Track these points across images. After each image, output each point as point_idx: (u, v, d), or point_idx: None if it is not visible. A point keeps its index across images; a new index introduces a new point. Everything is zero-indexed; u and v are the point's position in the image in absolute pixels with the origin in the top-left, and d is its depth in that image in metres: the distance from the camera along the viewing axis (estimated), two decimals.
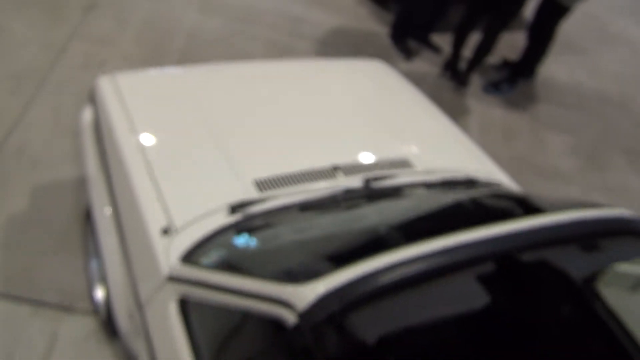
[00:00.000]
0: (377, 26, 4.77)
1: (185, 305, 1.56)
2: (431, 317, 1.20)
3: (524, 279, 1.78)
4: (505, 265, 1.38)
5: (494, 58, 4.68)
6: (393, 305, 1.20)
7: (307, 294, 1.18)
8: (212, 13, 4.39)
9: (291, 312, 1.19)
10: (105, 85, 2.31)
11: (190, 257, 1.65)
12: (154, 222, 1.77)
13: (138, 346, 1.88)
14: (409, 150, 2.29)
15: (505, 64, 4.68)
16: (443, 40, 4.64)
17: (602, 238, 1.57)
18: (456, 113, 4.08)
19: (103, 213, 2.13)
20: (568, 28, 5.40)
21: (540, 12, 4.20)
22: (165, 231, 1.74)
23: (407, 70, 4.17)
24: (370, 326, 1.16)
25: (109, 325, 2.20)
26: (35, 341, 2.30)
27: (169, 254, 1.68)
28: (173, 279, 1.61)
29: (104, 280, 2.14)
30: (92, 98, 2.38)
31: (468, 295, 1.28)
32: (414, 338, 1.73)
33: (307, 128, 2.30)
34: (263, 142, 2.16)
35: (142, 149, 2.00)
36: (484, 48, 4.13)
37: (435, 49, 4.62)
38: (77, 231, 2.66)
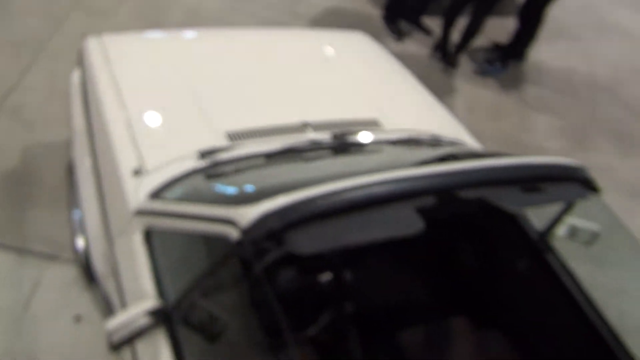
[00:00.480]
0: (372, 8, 4.86)
1: (149, 236, 1.68)
2: (363, 241, 1.30)
3: (462, 213, 1.88)
4: (444, 200, 1.47)
5: (484, 42, 4.76)
6: (327, 227, 1.30)
7: (249, 213, 1.29)
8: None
9: (235, 229, 1.30)
10: (92, 45, 2.42)
11: (157, 194, 1.77)
12: (126, 163, 1.89)
13: (110, 287, 2.00)
14: (380, 112, 2.38)
15: (496, 48, 4.75)
16: (434, 23, 4.71)
17: (546, 182, 1.65)
18: (444, 93, 4.16)
19: (83, 164, 2.25)
20: (565, 16, 5.47)
21: None
22: (137, 172, 1.86)
23: (398, 51, 4.26)
24: (305, 244, 1.26)
25: (88, 271, 2.33)
26: (20, 285, 2.44)
27: (138, 192, 1.80)
28: (140, 212, 1.72)
29: (84, 229, 2.27)
30: (81, 59, 2.50)
31: (403, 225, 1.37)
32: (344, 257, 1.83)
33: (283, 88, 2.40)
34: (239, 99, 2.28)
35: (121, 100, 2.12)
36: (472, 30, 4.21)
37: (426, 31, 4.70)
38: (66, 187, 2.79)
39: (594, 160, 4.10)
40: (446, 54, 4.44)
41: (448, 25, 4.34)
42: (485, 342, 2.06)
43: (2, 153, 2.91)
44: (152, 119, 2.11)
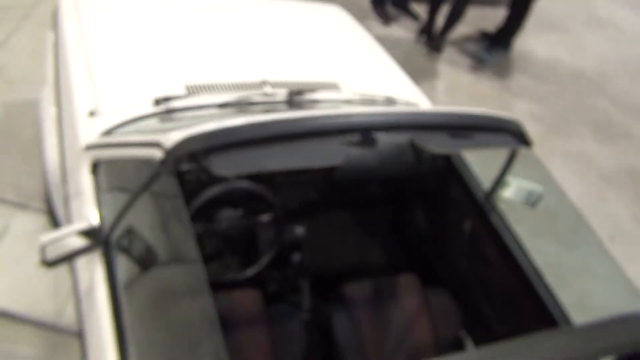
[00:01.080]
0: None
1: (96, 168, 1.76)
2: (278, 167, 1.36)
3: (384, 151, 1.94)
4: (369, 140, 1.53)
5: (472, 31, 4.82)
6: (246, 154, 1.37)
7: (174, 136, 1.37)
8: None
9: (160, 150, 1.38)
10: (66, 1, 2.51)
11: (108, 133, 1.85)
12: (83, 105, 1.97)
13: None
14: (341, 77, 2.45)
15: (484, 36, 4.80)
16: (420, 8, 4.77)
17: (476, 131, 1.71)
18: (426, 75, 4.23)
19: (48, 112, 2.34)
20: (554, 8, 5.51)
21: None
22: (92, 113, 1.94)
23: (383, 35, 4.35)
24: (222, 166, 1.33)
25: (52, 216, 2.41)
26: None
27: (91, 132, 1.88)
28: (89, 147, 1.80)
29: (46, 173, 2.35)
30: (55, 12, 2.58)
31: (322, 157, 1.43)
32: (256, 178, 1.90)
33: (247, 49, 2.48)
34: (202, 55, 2.35)
35: (85, 46, 2.20)
36: (455, 15, 4.27)
37: (413, 16, 4.76)
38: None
39: (570, 145, 4.16)
40: (431, 38, 4.50)
41: (433, 10, 4.40)
42: (430, 297, 2.13)
43: None
44: (113, 66, 2.19)
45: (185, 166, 1.47)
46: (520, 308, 2.07)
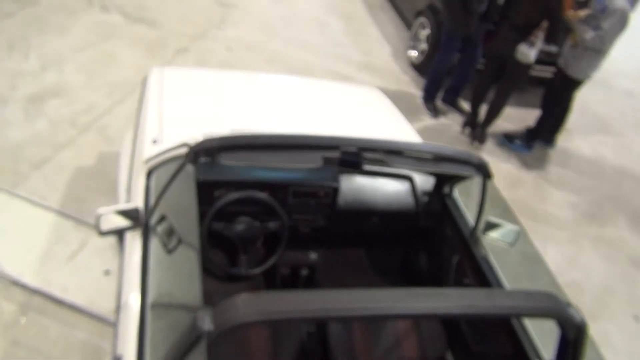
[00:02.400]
0: (414, 89, 5.54)
1: (150, 173, 2.33)
2: (269, 161, 1.87)
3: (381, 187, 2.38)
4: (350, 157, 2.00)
5: (519, 127, 5.23)
6: (245, 153, 1.89)
7: (197, 137, 1.92)
8: (276, 64, 5.43)
9: (187, 147, 1.93)
10: (156, 72, 3.27)
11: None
12: (150, 135, 2.60)
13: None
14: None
15: (527, 131, 5.19)
16: (467, 104, 5.28)
17: (446, 161, 2.11)
18: None
19: (126, 152, 3.01)
20: (608, 111, 5.82)
21: (553, 81, 4.76)
22: (155, 141, 2.56)
23: (430, 125, 4.88)
24: (227, 158, 1.85)
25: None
26: (70, 244, 3.16)
27: (151, 152, 2.49)
28: (147, 159, 2.39)
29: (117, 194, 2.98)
30: (144, 80, 3.34)
31: (304, 161, 1.93)
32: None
33: (293, 119, 3.04)
34: (252, 122, 2.94)
35: (161, 101, 2.89)
36: (496, 107, 4.73)
37: (461, 111, 5.27)
38: None
39: (606, 234, 4.31)
40: (475, 129, 4.95)
41: (476, 103, 4.89)
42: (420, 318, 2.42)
43: (86, 156, 3.79)
44: (180, 115, 2.83)
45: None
46: (496, 333, 2.32)
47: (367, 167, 2.37)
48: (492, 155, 4.86)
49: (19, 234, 3.18)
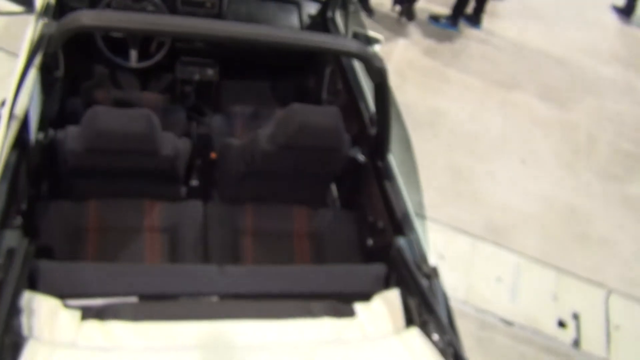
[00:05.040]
0: None
1: None
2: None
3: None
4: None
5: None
6: None
7: None
8: None
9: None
10: None
11: None
12: None
13: None
14: None
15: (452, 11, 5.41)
16: None
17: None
18: (391, 35, 4.86)
19: None
20: (542, 1, 6.04)
21: None
22: None
23: None
24: None
25: None
26: None
27: None
28: None
29: None
30: None
31: None
32: None
33: None
34: None
35: None
36: None
37: None
38: None
39: (511, 97, 4.64)
40: (402, 5, 5.16)
41: None
42: None
43: None
44: None
45: None
46: None
47: None
48: (417, 29, 5.09)
49: None
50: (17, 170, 1.75)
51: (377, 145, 2.19)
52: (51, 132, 2.01)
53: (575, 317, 3.11)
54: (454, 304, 2.88)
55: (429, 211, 3.37)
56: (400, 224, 1.96)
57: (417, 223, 1.96)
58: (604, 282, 3.36)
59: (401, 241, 1.85)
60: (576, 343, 2.99)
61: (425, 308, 1.57)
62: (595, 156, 4.34)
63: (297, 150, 2.08)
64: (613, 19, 6.45)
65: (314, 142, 2.06)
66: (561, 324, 3.06)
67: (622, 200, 4.01)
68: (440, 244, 3.21)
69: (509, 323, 2.98)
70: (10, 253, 1.44)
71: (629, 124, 4.81)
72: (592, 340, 3.03)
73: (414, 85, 4.45)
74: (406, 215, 1.99)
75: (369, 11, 5.09)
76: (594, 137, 4.52)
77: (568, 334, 3.02)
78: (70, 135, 1.93)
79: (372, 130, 2.22)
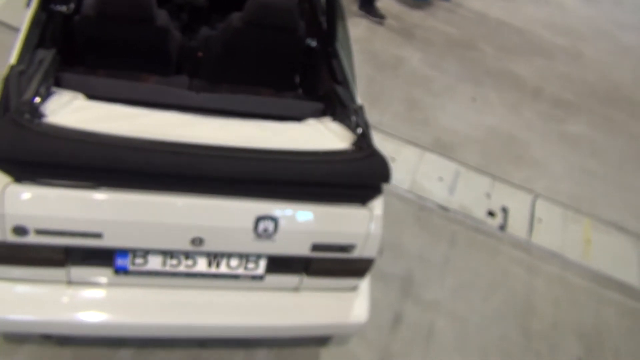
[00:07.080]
0: None
1: None
2: None
3: None
4: None
5: None
6: None
7: None
8: None
9: None
10: None
11: None
12: None
13: None
14: None
15: None
16: None
17: None
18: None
19: None
20: None
21: None
22: None
23: None
24: None
25: None
26: None
27: None
28: None
29: None
30: None
31: None
32: None
33: None
34: None
35: None
36: None
37: None
38: None
39: (468, 53, 5.27)
40: None
41: None
42: None
43: None
44: None
45: None
46: None
47: None
48: (392, 2, 5.75)
49: None
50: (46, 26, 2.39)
51: (327, 34, 2.81)
52: (71, 4, 2.64)
53: (504, 210, 3.68)
54: (398, 192, 3.52)
55: (385, 128, 3.98)
56: (339, 82, 2.57)
57: (353, 85, 2.56)
58: (533, 190, 3.94)
59: (338, 87, 2.47)
60: (502, 227, 3.55)
61: (353, 130, 2.18)
62: (539, 101, 4.95)
63: (261, 28, 2.69)
64: (575, 1, 7.13)
65: (273, 19, 2.67)
66: (491, 214, 3.63)
67: (559, 136, 4.60)
68: (391, 150, 3.79)
69: (444, 208, 3.55)
70: (41, 61, 2.06)
71: (574, 81, 5.43)
72: (517, 227, 3.59)
73: (381, 39, 5.08)
74: (345, 78, 2.60)
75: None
76: (540, 88, 5.13)
77: (496, 221, 3.59)
78: (86, 4, 2.55)
79: (323, 21, 2.84)
